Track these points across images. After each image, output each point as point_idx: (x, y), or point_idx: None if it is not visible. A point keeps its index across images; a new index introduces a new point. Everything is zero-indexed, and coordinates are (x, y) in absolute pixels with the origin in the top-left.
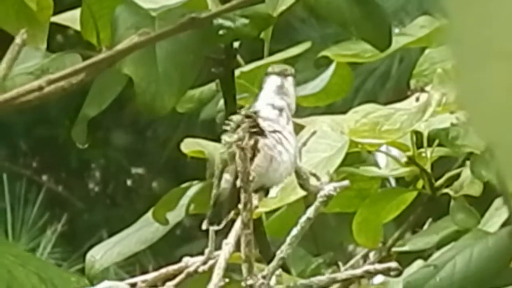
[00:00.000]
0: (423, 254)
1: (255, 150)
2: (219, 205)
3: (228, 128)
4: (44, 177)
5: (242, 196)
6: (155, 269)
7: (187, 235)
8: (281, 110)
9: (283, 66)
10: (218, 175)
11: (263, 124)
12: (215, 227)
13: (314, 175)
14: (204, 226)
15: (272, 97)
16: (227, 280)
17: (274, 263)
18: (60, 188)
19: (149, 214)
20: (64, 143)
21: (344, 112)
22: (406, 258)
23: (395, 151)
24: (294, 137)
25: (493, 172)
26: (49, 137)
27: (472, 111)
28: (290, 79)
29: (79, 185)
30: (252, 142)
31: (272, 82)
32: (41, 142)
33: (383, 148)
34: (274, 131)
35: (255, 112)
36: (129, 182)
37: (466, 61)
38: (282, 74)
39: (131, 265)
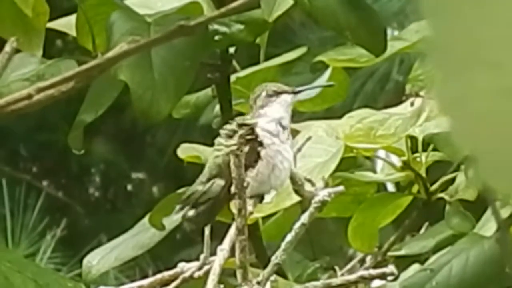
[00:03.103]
0: (420, 258)
1: (251, 157)
2: (203, 205)
3: (224, 133)
4: (44, 182)
5: (237, 202)
6: (155, 274)
7: (187, 240)
8: (284, 128)
9: (282, 86)
10: (209, 177)
11: (261, 134)
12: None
13: (309, 180)
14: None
15: (281, 115)
16: (222, 285)
17: (268, 268)
18: (59, 193)
19: (146, 219)
20: (64, 148)
21: (343, 115)
22: (402, 262)
23: (393, 156)
24: (291, 150)
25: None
26: (49, 142)
27: (453, 118)
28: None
29: (79, 190)
30: (247, 149)
31: (283, 101)
32: (41, 147)
33: (382, 153)
34: (273, 143)
35: (255, 123)
36: (129, 187)
37: (449, 69)
38: (292, 92)
39: (131, 269)
